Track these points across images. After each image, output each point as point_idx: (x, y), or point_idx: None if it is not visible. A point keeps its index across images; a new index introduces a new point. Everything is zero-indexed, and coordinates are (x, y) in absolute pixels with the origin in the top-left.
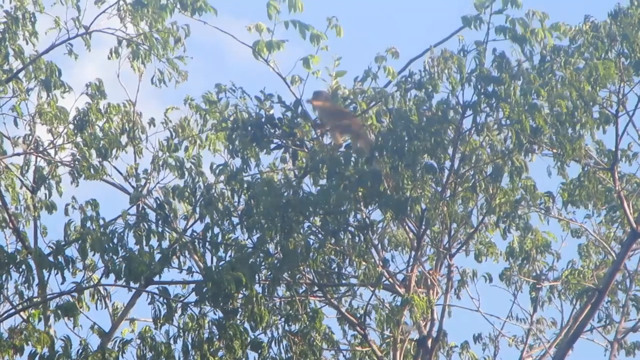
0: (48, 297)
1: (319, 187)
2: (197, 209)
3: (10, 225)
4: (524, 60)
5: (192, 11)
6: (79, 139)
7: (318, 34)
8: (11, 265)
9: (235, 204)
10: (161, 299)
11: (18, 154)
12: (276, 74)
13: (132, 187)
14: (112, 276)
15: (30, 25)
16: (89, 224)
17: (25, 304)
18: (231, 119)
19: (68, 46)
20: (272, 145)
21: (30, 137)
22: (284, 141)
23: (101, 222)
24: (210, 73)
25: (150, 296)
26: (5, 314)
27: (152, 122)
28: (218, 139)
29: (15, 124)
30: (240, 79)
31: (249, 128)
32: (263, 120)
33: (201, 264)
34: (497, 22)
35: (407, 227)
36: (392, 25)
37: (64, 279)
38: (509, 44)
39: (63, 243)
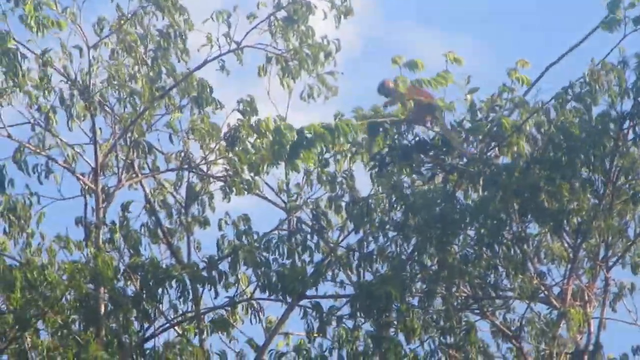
0: (202, 311)
1: (472, 201)
2: (351, 221)
3: (164, 240)
4: None
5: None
6: (230, 155)
7: (444, 75)
8: (167, 281)
9: (391, 215)
10: (314, 312)
11: (171, 170)
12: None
13: (283, 201)
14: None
15: (181, 43)
16: (243, 238)
17: (179, 318)
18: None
19: (220, 62)
20: (425, 171)
21: (183, 153)
22: (436, 166)
23: (255, 236)
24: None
25: (302, 310)
26: (161, 328)
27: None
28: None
29: (171, 140)
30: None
31: (399, 155)
32: (413, 146)
33: (353, 277)
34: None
35: (563, 240)
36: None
37: (217, 293)
38: None
39: (216, 258)
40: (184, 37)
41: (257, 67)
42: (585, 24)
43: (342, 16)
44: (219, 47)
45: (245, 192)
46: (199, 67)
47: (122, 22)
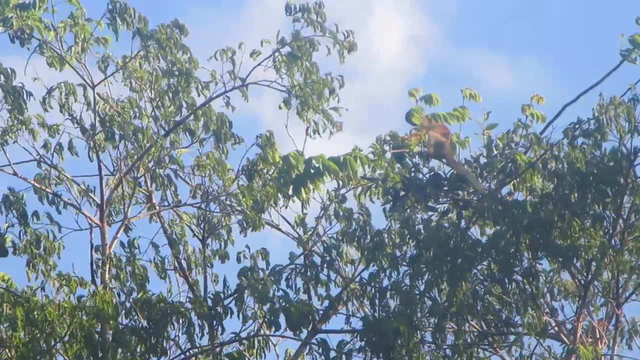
0: (215, 345)
1: (485, 236)
2: (365, 254)
3: (181, 273)
4: None
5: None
6: (243, 190)
7: (461, 111)
8: (172, 316)
9: (404, 249)
10: (320, 349)
11: (190, 205)
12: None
13: (299, 235)
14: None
15: (188, 81)
16: (250, 273)
17: (193, 350)
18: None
19: (225, 98)
20: (439, 207)
21: (202, 187)
22: (449, 201)
23: (262, 273)
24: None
25: (309, 347)
26: None
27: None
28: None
29: (176, 175)
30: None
31: (413, 189)
32: (428, 180)
33: (365, 311)
34: None
35: (575, 276)
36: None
37: (223, 329)
38: None
39: (221, 294)
40: (192, 74)
41: (278, 104)
42: None
43: (346, 51)
44: (224, 84)
45: (251, 229)
46: (204, 104)
47: (127, 60)
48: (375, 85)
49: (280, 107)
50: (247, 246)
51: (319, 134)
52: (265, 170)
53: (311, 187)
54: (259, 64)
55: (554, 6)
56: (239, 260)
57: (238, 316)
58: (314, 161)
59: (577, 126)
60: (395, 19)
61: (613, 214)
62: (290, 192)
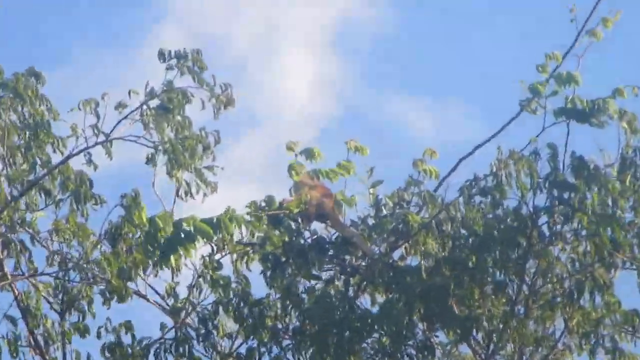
0: None
1: (376, 305)
2: (245, 326)
3: (37, 351)
4: (603, 167)
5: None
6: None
7: (346, 165)
8: None
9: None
10: None
11: (47, 274)
12: None
13: (168, 306)
14: None
15: (45, 135)
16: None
17: None
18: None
19: (87, 155)
20: (323, 274)
21: (59, 253)
22: (335, 267)
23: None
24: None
25: None
26: None
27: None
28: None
29: (32, 241)
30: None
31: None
32: (311, 245)
33: None
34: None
35: (476, 350)
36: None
37: None
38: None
39: None
40: (46, 128)
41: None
42: None
43: (222, 106)
44: (85, 139)
45: (116, 301)
46: (62, 162)
47: None
48: (286, 132)
49: (147, 163)
50: (108, 319)
51: (191, 195)
52: (130, 235)
53: (182, 252)
54: (125, 117)
55: (472, 44)
56: (99, 335)
57: None
58: (184, 224)
59: (473, 183)
60: (307, 59)
61: (516, 279)
62: (156, 259)
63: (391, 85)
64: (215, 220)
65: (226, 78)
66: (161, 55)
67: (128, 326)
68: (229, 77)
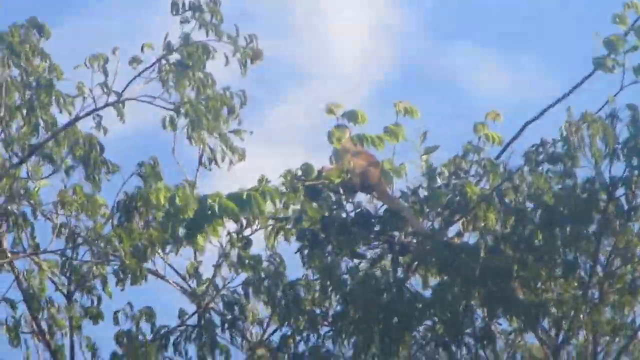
0: None
1: (428, 288)
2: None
3: (40, 337)
4: None
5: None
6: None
7: (394, 129)
8: None
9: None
10: None
11: (52, 252)
12: None
13: (191, 288)
14: None
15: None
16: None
17: None
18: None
19: (96, 118)
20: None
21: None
22: (382, 245)
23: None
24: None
25: None
26: None
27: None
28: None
29: (34, 214)
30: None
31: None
32: (350, 220)
33: None
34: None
35: (542, 338)
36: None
37: None
38: None
39: None
40: (49, 87)
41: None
42: None
43: (249, 61)
44: (94, 99)
45: (130, 283)
46: (69, 124)
47: None
48: (332, 90)
49: (165, 127)
50: (129, 303)
51: (216, 163)
52: (147, 208)
53: (209, 231)
54: (139, 75)
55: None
56: (115, 321)
57: None
58: (209, 200)
59: (541, 149)
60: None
61: (589, 260)
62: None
63: (458, 37)
64: (245, 195)
65: (266, 23)
66: (174, 6)
67: (149, 313)
68: (269, 22)
